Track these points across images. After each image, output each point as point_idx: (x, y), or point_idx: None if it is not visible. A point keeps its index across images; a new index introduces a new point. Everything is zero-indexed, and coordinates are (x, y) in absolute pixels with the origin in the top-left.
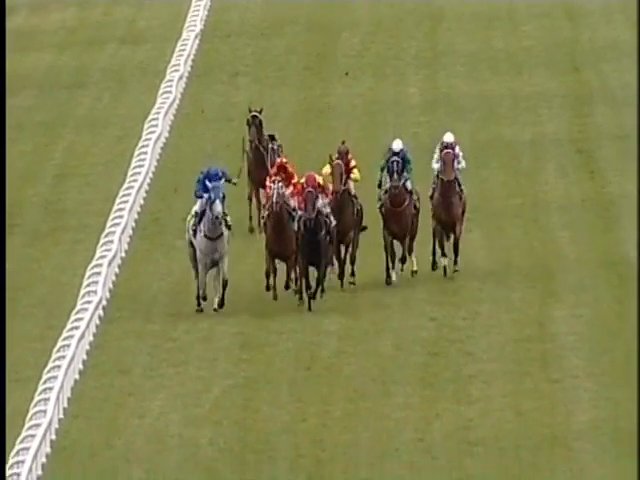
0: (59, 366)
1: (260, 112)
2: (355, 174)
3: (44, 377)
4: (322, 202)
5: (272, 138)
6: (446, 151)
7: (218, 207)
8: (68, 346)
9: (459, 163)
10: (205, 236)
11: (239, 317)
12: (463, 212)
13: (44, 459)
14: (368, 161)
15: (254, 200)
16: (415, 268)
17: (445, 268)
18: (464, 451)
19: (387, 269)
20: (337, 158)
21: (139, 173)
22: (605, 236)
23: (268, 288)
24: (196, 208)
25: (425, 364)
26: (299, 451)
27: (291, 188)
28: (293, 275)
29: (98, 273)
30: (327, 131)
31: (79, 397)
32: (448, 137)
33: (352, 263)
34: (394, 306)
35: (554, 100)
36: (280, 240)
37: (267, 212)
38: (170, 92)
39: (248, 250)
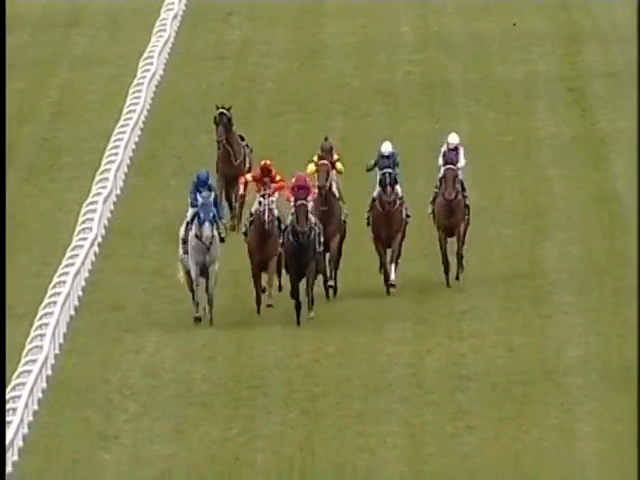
0: (55, 302)
1: (229, 110)
2: (338, 166)
3: (40, 313)
4: (310, 207)
5: (242, 139)
6: (448, 167)
7: (206, 231)
8: (64, 282)
9: (459, 162)
10: (196, 236)
11: (234, 255)
12: (466, 222)
13: (40, 394)
14: (361, 100)
15: (224, 197)
16: (394, 282)
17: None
18: (456, 386)
19: (382, 269)
20: (320, 155)
21: (134, 111)
22: (595, 173)
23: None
24: (188, 216)
25: (418, 300)
26: (292, 386)
27: (276, 194)
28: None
29: (93, 210)
30: (320, 70)
31: (75, 333)
32: (452, 138)
33: (335, 268)
34: None
35: (545, 38)
36: (264, 251)
37: (252, 223)
38: (165, 30)
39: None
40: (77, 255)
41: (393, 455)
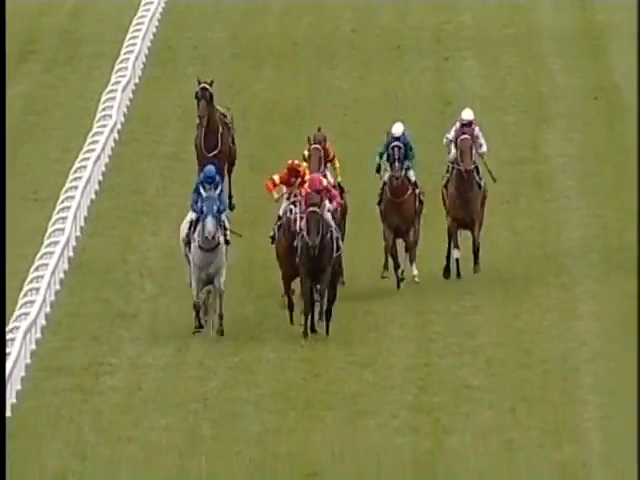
0: (76, 187)
1: (211, 84)
2: (336, 164)
3: (62, 197)
4: (327, 209)
5: (224, 116)
6: (464, 137)
7: (209, 225)
8: (84, 167)
9: (480, 147)
10: (199, 247)
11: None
12: (482, 205)
13: (62, 275)
14: None
15: None
16: (416, 272)
17: (457, 261)
18: (460, 267)
19: (384, 266)
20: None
21: (152, 2)
22: (595, 64)
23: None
24: (192, 216)
25: (422, 184)
26: None
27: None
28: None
29: (113, 98)
30: None
31: (95, 216)
32: (467, 114)
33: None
34: None
35: None
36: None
37: (280, 227)
38: None
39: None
40: (97, 141)
41: (401, 333)
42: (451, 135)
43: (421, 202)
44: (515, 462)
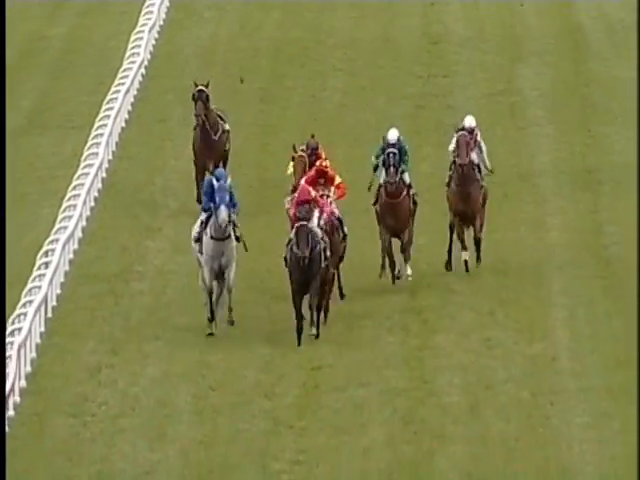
0: (108, 116)
1: (207, 86)
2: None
3: (96, 125)
4: (315, 222)
5: (220, 118)
6: (461, 133)
7: (222, 213)
8: (116, 99)
9: (482, 152)
10: (211, 237)
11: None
12: (484, 203)
13: (96, 193)
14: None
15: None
16: (410, 272)
17: (466, 262)
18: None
19: (382, 266)
20: (306, 152)
21: None
22: (565, 7)
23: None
24: (202, 217)
25: (413, 115)
26: None
27: (335, 191)
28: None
29: (141, 38)
30: None
31: (125, 142)
32: (469, 121)
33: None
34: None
35: None
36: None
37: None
38: None
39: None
40: (127, 76)
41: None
42: (453, 142)
43: (415, 203)
44: (493, 357)
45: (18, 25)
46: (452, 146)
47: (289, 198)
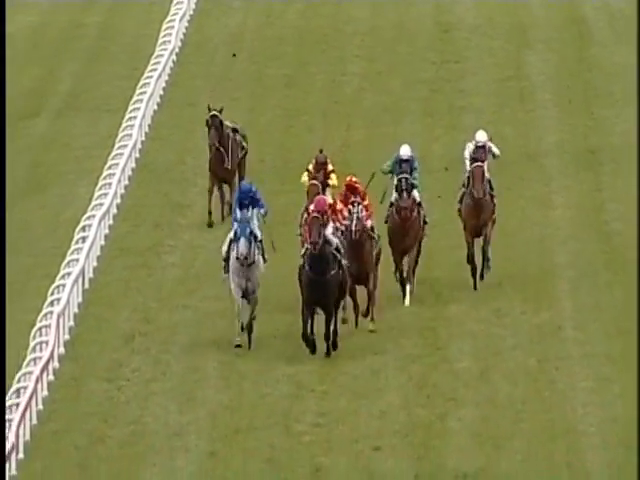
0: (141, 99)
1: (220, 111)
2: (332, 180)
3: (130, 108)
4: (330, 230)
5: (235, 131)
6: (476, 165)
7: (242, 247)
8: (148, 84)
9: (494, 157)
10: (237, 258)
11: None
12: (493, 221)
13: (130, 172)
14: None
15: (215, 193)
16: (408, 302)
17: (481, 274)
18: (459, 166)
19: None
20: (315, 168)
21: None
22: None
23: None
24: (231, 235)
25: (426, 98)
26: None
27: (364, 211)
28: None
29: (172, 27)
30: None
31: (157, 124)
32: (481, 136)
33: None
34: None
35: None
36: (361, 266)
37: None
38: None
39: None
40: (159, 62)
41: None
42: (467, 153)
43: (425, 222)
44: (501, 326)
45: (56, 14)
46: (467, 163)
47: (302, 220)
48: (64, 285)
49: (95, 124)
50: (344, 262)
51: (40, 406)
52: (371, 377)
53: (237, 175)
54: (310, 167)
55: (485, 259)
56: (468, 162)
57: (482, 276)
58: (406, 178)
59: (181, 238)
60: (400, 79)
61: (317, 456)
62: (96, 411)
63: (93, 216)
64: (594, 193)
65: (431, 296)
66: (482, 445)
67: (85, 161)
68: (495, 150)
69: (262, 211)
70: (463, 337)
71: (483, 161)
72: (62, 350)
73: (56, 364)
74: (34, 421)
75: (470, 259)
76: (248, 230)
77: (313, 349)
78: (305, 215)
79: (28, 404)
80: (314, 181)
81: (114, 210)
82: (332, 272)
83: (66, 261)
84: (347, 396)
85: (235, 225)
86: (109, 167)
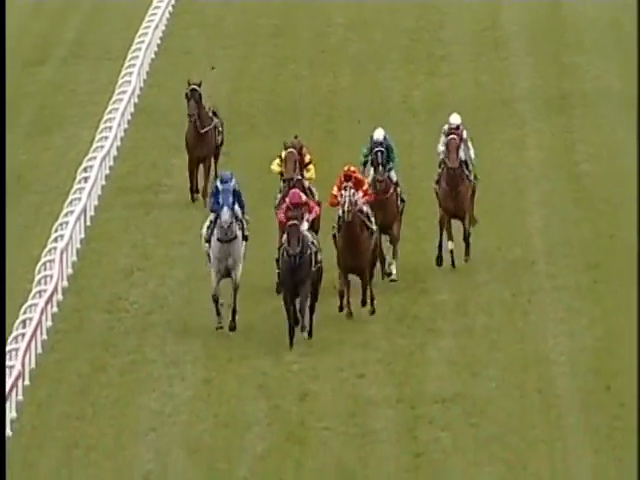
0: (140, 48)
1: (199, 85)
2: (310, 171)
3: (129, 56)
4: (305, 225)
5: (215, 114)
6: (451, 137)
7: (225, 215)
8: (146, 34)
9: (468, 149)
10: (218, 240)
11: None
12: (472, 199)
13: (129, 116)
14: None
15: (196, 175)
16: (394, 277)
17: (452, 252)
18: (439, 110)
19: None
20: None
21: None
22: None
23: (342, 308)
24: (211, 217)
25: (407, 47)
26: (315, 110)
27: (362, 194)
28: (368, 292)
29: None
30: None
31: (155, 71)
32: (454, 119)
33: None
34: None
35: None
36: (354, 253)
37: (337, 224)
38: None
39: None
40: (155, 13)
41: None
42: (442, 142)
43: (403, 200)
44: (478, 261)
45: None
46: (441, 147)
47: (280, 196)
48: (67, 222)
49: (97, 71)
50: (320, 257)
51: (45, 336)
52: (355, 309)
53: (213, 162)
54: (283, 154)
55: (466, 244)
56: (442, 146)
57: (455, 255)
58: (382, 151)
59: (177, 178)
60: (382, 29)
61: (305, 383)
62: (97, 341)
63: (95, 157)
64: (565, 135)
65: (412, 232)
66: (459, 372)
67: (88, 106)
68: (471, 149)
69: (242, 210)
70: (441, 271)
71: (457, 136)
72: (65, 283)
73: (60, 297)
74: (39, 350)
75: (448, 235)
76: (231, 199)
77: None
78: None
79: (33, 334)
80: (292, 150)
81: (114, 152)
82: (308, 271)
83: (69, 200)
84: (333, 327)
85: (213, 209)
86: (110, 111)
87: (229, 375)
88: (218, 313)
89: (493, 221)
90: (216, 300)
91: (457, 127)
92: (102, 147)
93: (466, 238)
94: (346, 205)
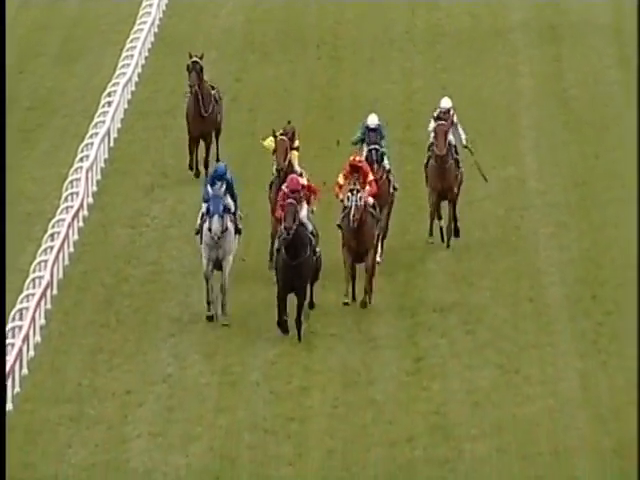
0: (142, 30)
1: (201, 58)
2: (294, 156)
3: (132, 37)
4: (305, 213)
5: (212, 88)
6: (439, 123)
7: (214, 224)
8: (149, 13)
9: (459, 134)
10: (209, 229)
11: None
12: (460, 182)
13: (149, 45)
14: None
15: (196, 152)
16: (379, 260)
17: (442, 229)
18: (437, 41)
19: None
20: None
21: None
22: None
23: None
24: (203, 209)
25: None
26: (323, 39)
27: (368, 187)
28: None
29: None
30: None
31: (173, 3)
32: (445, 102)
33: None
34: None
35: None
36: (360, 240)
37: (342, 217)
38: None
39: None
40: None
41: None
42: (432, 126)
43: (395, 189)
44: (473, 179)
45: None
46: (432, 132)
47: (271, 181)
48: (92, 144)
49: (118, 4)
50: (318, 249)
51: (72, 249)
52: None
53: (214, 137)
54: (271, 143)
55: (455, 224)
56: (432, 131)
57: (448, 244)
58: (376, 149)
59: None
60: None
61: (315, 294)
62: (120, 253)
63: (117, 83)
64: (554, 64)
65: (411, 153)
66: (456, 283)
67: (111, 35)
68: (461, 131)
69: (234, 203)
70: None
71: (446, 121)
72: (91, 200)
73: (85, 212)
74: (66, 262)
75: (437, 215)
76: (221, 207)
77: (286, 331)
78: (279, 192)
79: (61, 247)
80: (283, 137)
81: (135, 78)
82: (305, 255)
83: (94, 122)
84: (338, 249)
85: (206, 199)
86: (131, 40)
87: (242, 285)
88: (208, 302)
89: (488, 142)
90: (207, 279)
91: (447, 111)
92: (124, 74)
93: (454, 219)
94: (352, 212)
